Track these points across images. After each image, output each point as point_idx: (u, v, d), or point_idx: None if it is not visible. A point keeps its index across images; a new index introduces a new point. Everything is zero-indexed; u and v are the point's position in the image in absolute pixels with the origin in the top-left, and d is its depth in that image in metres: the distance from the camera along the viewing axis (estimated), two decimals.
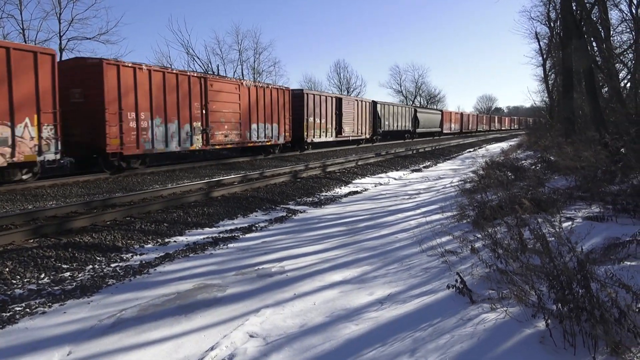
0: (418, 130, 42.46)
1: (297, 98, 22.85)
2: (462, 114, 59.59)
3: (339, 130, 27.07)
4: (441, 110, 52.37)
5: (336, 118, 26.70)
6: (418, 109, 43.54)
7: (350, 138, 28.93)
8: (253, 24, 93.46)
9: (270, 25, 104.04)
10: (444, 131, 50.98)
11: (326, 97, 25.83)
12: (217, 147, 17.55)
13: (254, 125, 19.47)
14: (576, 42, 14.74)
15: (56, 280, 5.07)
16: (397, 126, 37.49)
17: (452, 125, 54.30)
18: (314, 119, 24.14)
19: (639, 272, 3.75)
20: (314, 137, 24.23)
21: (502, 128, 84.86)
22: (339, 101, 27.20)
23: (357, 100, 30.21)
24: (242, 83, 18.81)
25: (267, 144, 20.72)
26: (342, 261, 5.74)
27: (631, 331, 2.90)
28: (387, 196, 11.33)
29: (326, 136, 25.55)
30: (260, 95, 19.72)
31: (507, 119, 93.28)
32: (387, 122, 35.04)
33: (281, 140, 21.49)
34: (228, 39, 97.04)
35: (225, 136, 17.76)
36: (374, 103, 32.69)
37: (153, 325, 3.96)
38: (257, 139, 19.81)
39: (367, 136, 31.57)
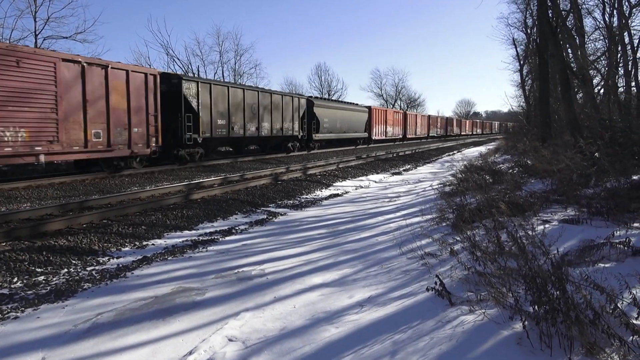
0: (319, 135, 27.09)
1: None
2: (405, 114, 45.56)
3: None
4: (369, 107, 35.94)
5: None
6: (317, 102, 27.36)
7: (47, 159, 11.44)
8: (234, 25, 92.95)
9: (252, 27, 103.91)
10: (375, 137, 36.52)
11: None
12: None
13: None
14: (552, 48, 15.07)
15: (30, 285, 4.94)
16: (261, 129, 21.28)
17: (390, 129, 39.83)
18: None
19: (613, 274, 3.84)
20: None
21: (462, 133, 70.75)
22: None
23: (91, 63, 12.43)
24: None
25: None
26: (323, 264, 5.73)
27: (605, 332, 2.96)
28: (368, 199, 11.37)
29: None
30: None
31: (468, 122, 78.88)
32: (221, 122, 18.32)
33: None
34: (209, 40, 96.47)
35: None
36: (183, 80, 16.11)
37: (130, 330, 3.89)
38: None
39: (147, 151, 14.47)
